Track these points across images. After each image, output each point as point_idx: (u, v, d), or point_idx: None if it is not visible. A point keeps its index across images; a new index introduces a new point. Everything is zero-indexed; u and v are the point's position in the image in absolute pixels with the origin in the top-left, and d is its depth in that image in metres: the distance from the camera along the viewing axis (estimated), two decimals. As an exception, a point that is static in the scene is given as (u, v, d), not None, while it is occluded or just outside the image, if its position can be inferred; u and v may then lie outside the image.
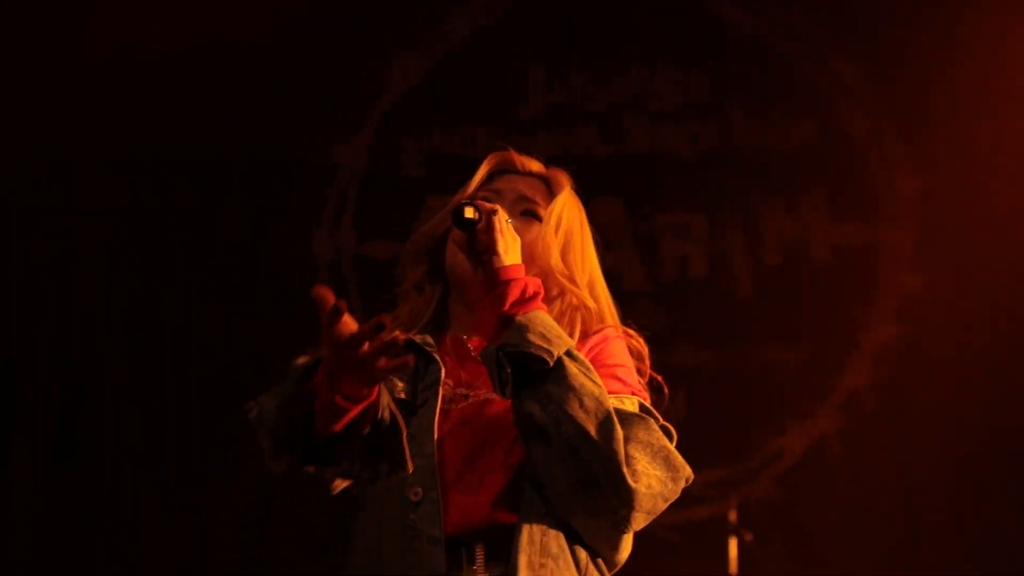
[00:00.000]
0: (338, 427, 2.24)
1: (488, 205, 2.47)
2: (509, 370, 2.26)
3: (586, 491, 2.24)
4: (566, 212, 2.65)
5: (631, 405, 2.41)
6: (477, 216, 2.41)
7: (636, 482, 2.23)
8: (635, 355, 2.60)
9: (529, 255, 2.55)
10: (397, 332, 2.21)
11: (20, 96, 7.25)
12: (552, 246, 2.59)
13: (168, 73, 7.34)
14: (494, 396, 2.40)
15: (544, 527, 2.28)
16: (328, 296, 2.21)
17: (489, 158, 2.73)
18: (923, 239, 7.22)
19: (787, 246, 7.34)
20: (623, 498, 2.23)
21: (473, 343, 2.58)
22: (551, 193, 2.68)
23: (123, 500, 7.24)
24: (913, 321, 7.12)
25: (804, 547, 6.61)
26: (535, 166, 2.75)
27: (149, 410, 7.37)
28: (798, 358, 7.17)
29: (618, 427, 2.24)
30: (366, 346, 2.17)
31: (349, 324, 2.20)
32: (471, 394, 2.49)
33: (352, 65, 7.68)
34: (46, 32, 7.25)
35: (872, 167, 7.35)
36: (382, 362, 2.17)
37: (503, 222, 2.45)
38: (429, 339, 2.55)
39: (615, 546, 2.36)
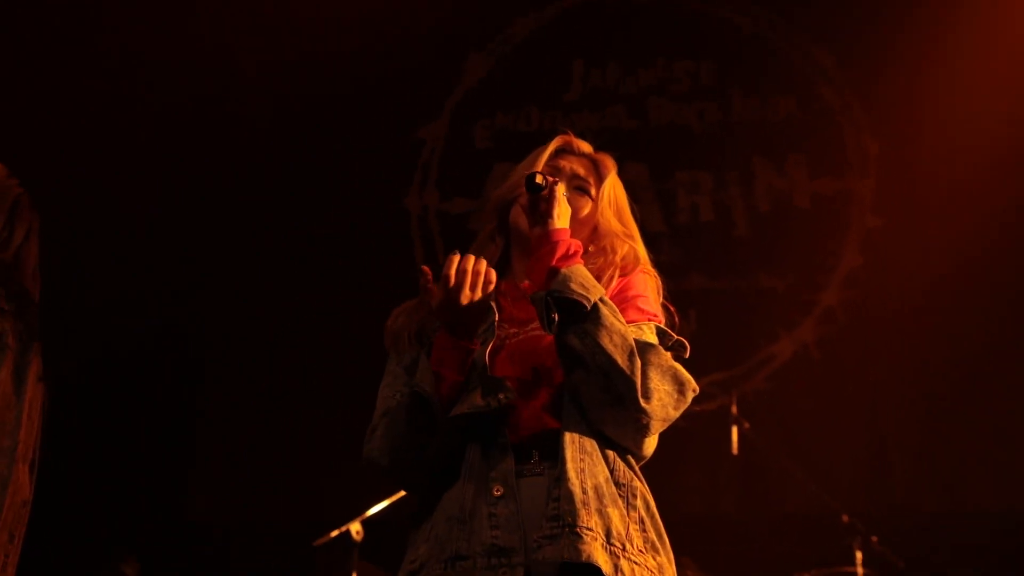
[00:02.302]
0: (463, 374, 2.33)
1: (552, 178, 2.45)
2: (555, 311, 2.26)
3: (613, 406, 2.25)
4: (616, 189, 2.62)
5: (649, 330, 2.40)
6: (544, 183, 2.40)
7: (650, 400, 2.24)
8: (655, 287, 2.56)
9: (583, 221, 2.57)
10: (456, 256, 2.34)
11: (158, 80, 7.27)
12: (609, 213, 2.58)
13: (303, 68, 7.40)
14: (541, 331, 2.38)
15: (581, 432, 2.27)
16: (426, 271, 2.37)
17: (556, 139, 2.66)
18: (882, 189, 7.13)
19: (775, 196, 7.27)
20: (641, 411, 2.23)
21: (525, 286, 2.53)
22: (598, 172, 2.63)
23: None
24: (874, 253, 7.04)
25: (790, 432, 6.53)
26: (587, 148, 2.69)
27: (276, 337, 7.43)
28: (785, 283, 7.10)
29: (638, 357, 2.24)
30: (463, 277, 2.33)
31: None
32: (521, 331, 2.47)
33: (437, 63, 7.68)
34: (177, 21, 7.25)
35: (842, 133, 7.26)
36: (479, 291, 2.34)
37: (561, 193, 2.43)
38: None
39: (639, 446, 2.33)
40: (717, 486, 6.62)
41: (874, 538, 5.49)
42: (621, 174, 2.72)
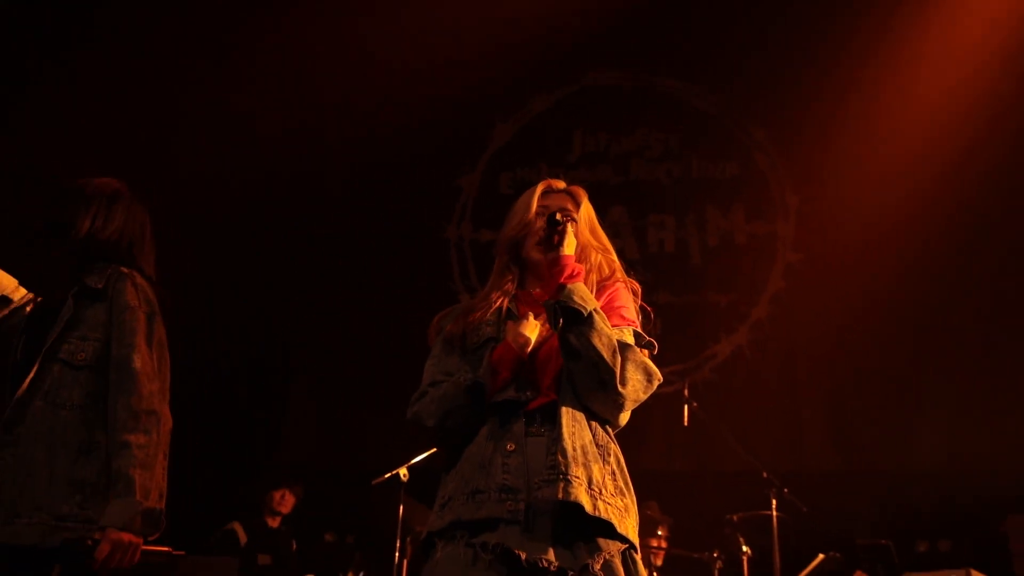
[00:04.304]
0: (514, 375, 2.31)
1: (568, 218, 2.42)
2: (561, 316, 2.26)
3: (599, 389, 2.24)
4: (589, 211, 2.57)
5: (628, 334, 2.37)
6: (561, 221, 2.37)
7: (625, 386, 2.24)
8: (634, 293, 2.51)
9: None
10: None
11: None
12: (586, 231, 2.51)
13: (373, 135, 7.31)
14: (549, 330, 2.38)
15: (573, 406, 2.26)
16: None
17: (540, 185, 2.58)
18: (800, 231, 7.16)
19: (721, 234, 7.28)
20: (619, 394, 2.24)
21: (536, 293, 2.51)
22: (575, 201, 2.57)
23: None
24: (793, 279, 7.08)
25: (727, 410, 6.50)
26: (562, 185, 2.63)
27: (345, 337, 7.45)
28: (727, 299, 7.12)
29: (619, 354, 2.25)
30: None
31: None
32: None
33: (473, 130, 7.74)
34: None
35: (772, 188, 7.28)
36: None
37: (571, 229, 2.39)
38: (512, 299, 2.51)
39: (616, 418, 2.32)
40: (672, 449, 6.61)
41: (786, 490, 5.47)
42: (607, 216, 2.75)
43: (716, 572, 5.57)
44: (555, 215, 2.39)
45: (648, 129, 7.57)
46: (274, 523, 6.45)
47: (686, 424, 5.69)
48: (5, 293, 2.81)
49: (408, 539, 5.13)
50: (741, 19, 7.36)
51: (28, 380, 2.54)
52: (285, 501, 6.45)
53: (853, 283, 6.73)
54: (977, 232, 6.76)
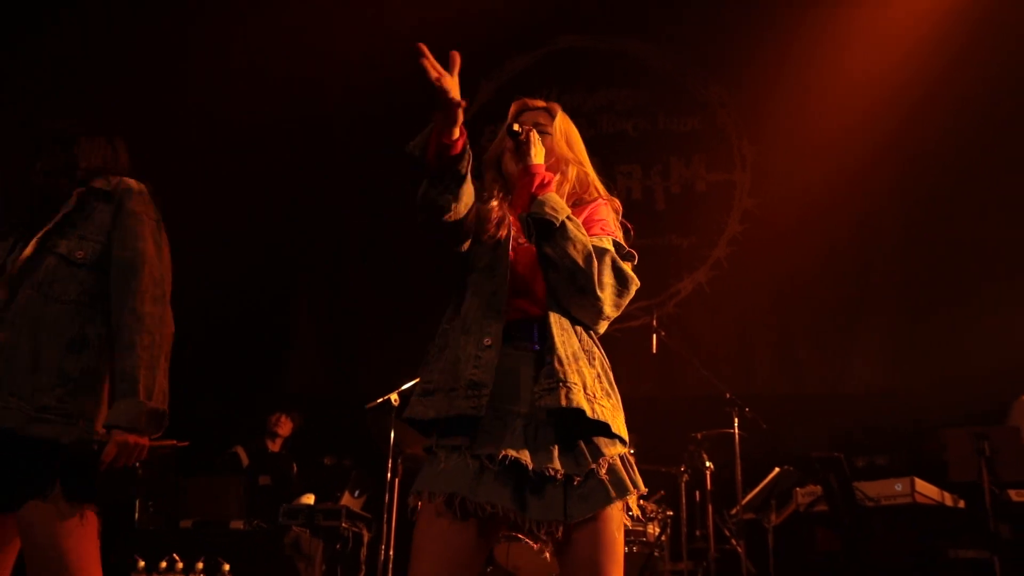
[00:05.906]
0: (441, 159, 2.16)
1: (527, 127, 2.24)
2: (534, 228, 2.10)
3: (577, 294, 2.10)
4: (565, 123, 2.36)
5: (607, 242, 2.18)
6: (520, 131, 2.20)
7: (603, 290, 2.10)
8: (615, 211, 2.32)
9: (548, 151, 2.29)
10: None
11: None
12: (562, 144, 2.32)
13: (367, 91, 7.20)
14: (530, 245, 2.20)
15: (559, 314, 2.11)
16: (425, 49, 2.13)
17: (512, 106, 2.38)
18: (756, 179, 7.05)
19: (684, 183, 7.17)
20: (597, 297, 2.09)
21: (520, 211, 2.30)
22: (550, 115, 2.37)
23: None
24: (749, 223, 6.98)
25: (690, 339, 6.51)
26: (539, 103, 2.42)
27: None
28: (688, 242, 7.02)
29: (594, 259, 2.10)
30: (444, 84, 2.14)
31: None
32: (525, 242, 2.22)
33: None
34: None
35: (730, 141, 7.16)
36: (449, 96, 2.12)
37: (536, 138, 2.22)
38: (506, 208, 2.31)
39: (597, 324, 2.16)
40: (642, 374, 6.53)
41: (747, 409, 5.44)
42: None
43: (683, 484, 5.50)
44: (512, 126, 2.21)
45: (616, 87, 7.42)
46: (274, 446, 6.30)
47: (654, 352, 5.63)
48: None
49: (400, 460, 5.03)
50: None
51: (18, 266, 2.32)
52: (282, 424, 6.30)
53: (803, 227, 6.68)
54: (912, 184, 6.68)
